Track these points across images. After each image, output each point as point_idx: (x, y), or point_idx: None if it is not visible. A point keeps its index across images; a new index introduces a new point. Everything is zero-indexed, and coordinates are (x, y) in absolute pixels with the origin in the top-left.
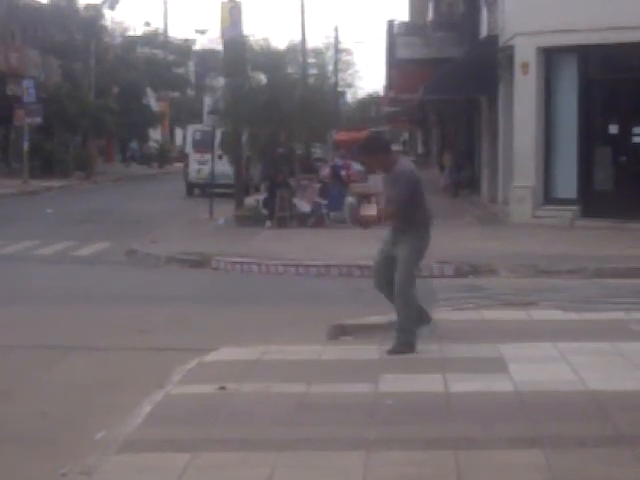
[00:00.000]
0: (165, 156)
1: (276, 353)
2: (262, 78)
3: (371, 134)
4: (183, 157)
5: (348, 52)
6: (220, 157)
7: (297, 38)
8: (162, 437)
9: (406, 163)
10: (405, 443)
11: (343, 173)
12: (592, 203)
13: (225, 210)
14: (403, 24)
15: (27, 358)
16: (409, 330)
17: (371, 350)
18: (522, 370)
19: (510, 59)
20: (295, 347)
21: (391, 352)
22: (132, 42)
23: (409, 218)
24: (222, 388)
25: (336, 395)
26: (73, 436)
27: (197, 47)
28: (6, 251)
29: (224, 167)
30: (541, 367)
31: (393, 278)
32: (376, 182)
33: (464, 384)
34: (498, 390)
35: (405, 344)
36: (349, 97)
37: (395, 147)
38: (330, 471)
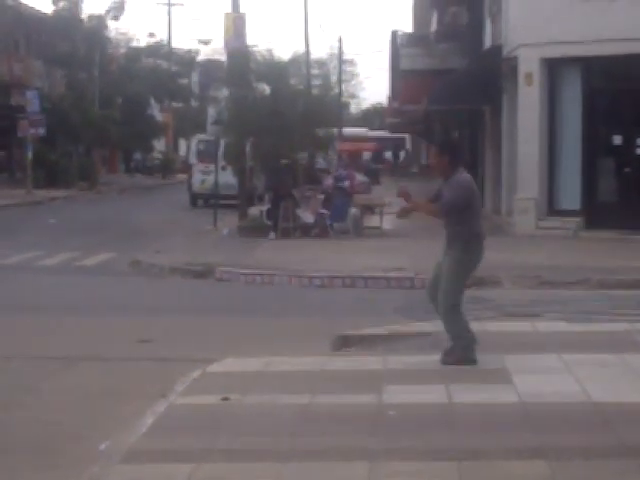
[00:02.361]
0: (169, 167)
1: (280, 364)
2: (266, 89)
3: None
4: (187, 168)
5: (352, 63)
6: (224, 168)
7: (301, 49)
8: (165, 447)
9: (465, 175)
10: (408, 454)
11: (347, 184)
12: (596, 214)
13: (229, 221)
14: (407, 35)
15: (30, 368)
16: (461, 341)
17: (375, 361)
18: (526, 381)
19: (514, 70)
20: (299, 358)
21: (445, 362)
22: (136, 52)
23: (457, 230)
24: (226, 399)
25: (340, 406)
26: (77, 446)
27: (201, 57)
28: (10, 261)
29: (228, 178)
30: (545, 378)
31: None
32: (380, 194)
33: (468, 395)
34: (502, 401)
35: (460, 356)
36: (353, 108)
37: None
38: None
